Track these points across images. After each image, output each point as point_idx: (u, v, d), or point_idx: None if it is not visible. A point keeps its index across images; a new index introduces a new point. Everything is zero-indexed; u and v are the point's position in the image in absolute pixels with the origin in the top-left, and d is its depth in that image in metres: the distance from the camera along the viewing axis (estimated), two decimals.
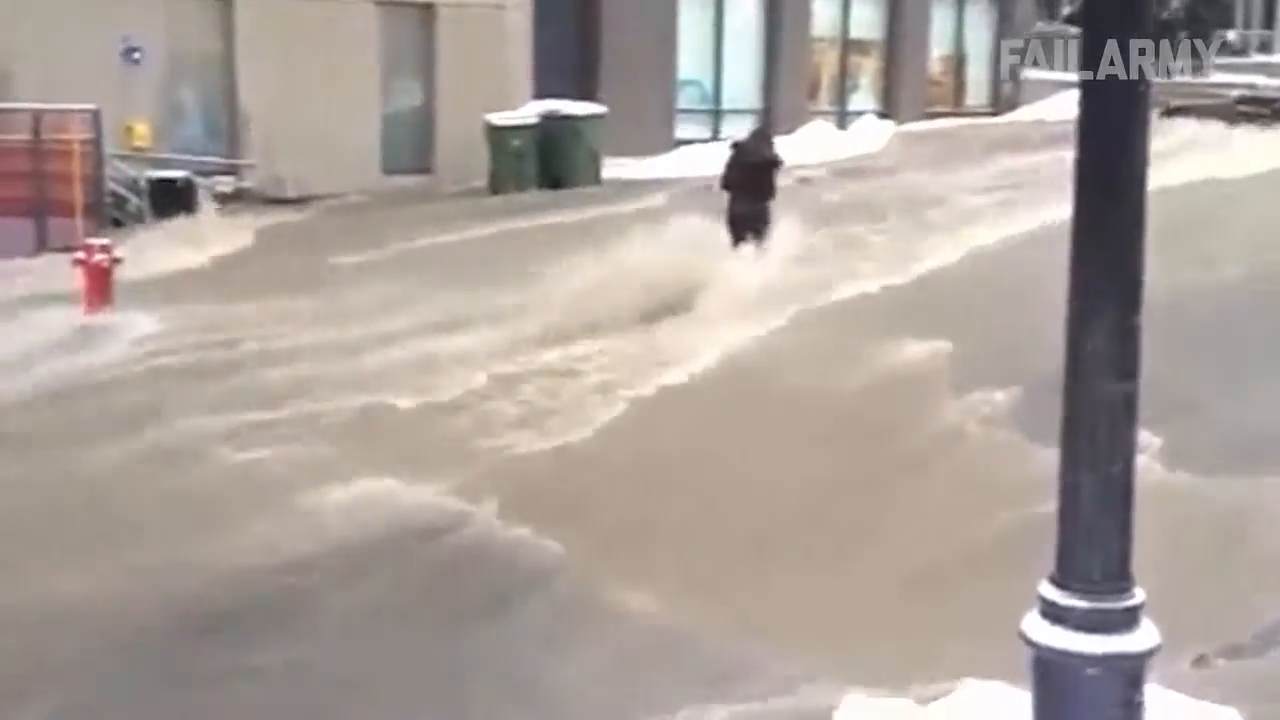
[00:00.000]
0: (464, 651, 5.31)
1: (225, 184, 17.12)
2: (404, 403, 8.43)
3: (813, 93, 23.88)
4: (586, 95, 19.67)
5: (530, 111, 18.57)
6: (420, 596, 5.74)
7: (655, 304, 10.19)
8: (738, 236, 10.85)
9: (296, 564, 5.94)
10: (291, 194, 17.42)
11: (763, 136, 11.81)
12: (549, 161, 18.40)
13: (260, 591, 5.73)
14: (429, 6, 19.05)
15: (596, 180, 18.56)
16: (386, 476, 6.87)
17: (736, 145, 11.56)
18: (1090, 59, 3.36)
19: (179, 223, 15.18)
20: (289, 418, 8.24)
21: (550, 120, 18.42)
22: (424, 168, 19.22)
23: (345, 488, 6.75)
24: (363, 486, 6.77)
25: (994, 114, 24.88)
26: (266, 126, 17.60)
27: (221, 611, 5.58)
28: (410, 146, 19.18)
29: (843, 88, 24.42)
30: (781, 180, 11.61)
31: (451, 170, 18.95)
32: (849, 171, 17.61)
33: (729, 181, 11.25)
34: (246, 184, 17.43)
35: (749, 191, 11.02)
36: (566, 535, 6.05)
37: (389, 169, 18.85)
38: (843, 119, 23.59)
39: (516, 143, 18.25)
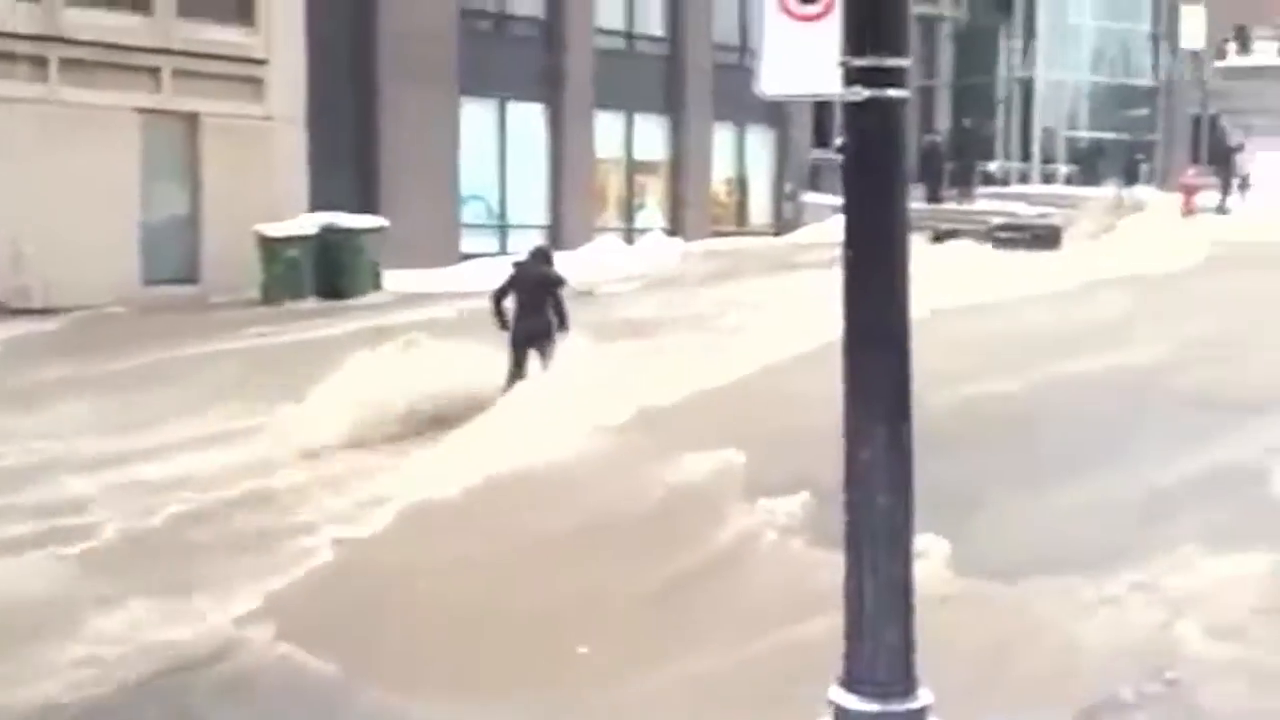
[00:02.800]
0: None
1: None
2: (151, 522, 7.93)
3: (600, 210, 24.26)
4: (367, 208, 19.51)
5: (307, 222, 18.32)
6: None
7: (433, 418, 9.95)
8: (519, 354, 10.68)
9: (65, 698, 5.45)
10: (39, 304, 16.57)
11: (542, 255, 11.65)
12: (327, 273, 18.18)
13: None
14: (193, 116, 18.60)
15: (377, 291, 18.34)
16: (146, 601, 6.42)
17: (517, 265, 11.43)
18: (851, 196, 3.55)
19: None
20: (31, 538, 7.63)
21: (329, 232, 18.21)
22: (190, 278, 18.61)
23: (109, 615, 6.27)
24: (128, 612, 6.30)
25: (776, 234, 25.70)
26: (12, 234, 16.72)
27: None
28: (174, 256, 18.59)
29: (630, 206, 24.90)
30: (567, 297, 11.50)
31: (220, 281, 18.39)
32: (636, 288, 17.81)
33: (503, 299, 10.95)
34: None
35: (531, 310, 10.89)
36: (343, 654, 5.72)
37: (151, 279, 18.16)
38: (630, 236, 24.00)
39: (291, 253, 17.92)
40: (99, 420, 10.88)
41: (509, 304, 10.94)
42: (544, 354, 10.69)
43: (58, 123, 17.13)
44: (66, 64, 17.41)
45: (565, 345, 10.76)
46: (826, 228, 22.28)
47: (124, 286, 17.48)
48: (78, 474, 9.05)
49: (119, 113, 17.83)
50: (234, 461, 9.28)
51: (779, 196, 26.92)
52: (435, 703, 5.38)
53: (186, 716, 5.42)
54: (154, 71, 18.21)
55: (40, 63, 17.30)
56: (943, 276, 14.56)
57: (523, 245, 21.59)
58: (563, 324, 10.81)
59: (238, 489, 8.57)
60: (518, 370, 10.59)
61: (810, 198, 25.98)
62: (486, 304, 11.14)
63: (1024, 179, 30.30)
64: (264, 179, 18.67)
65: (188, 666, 5.74)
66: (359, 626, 6.18)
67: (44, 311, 16.38)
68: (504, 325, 10.80)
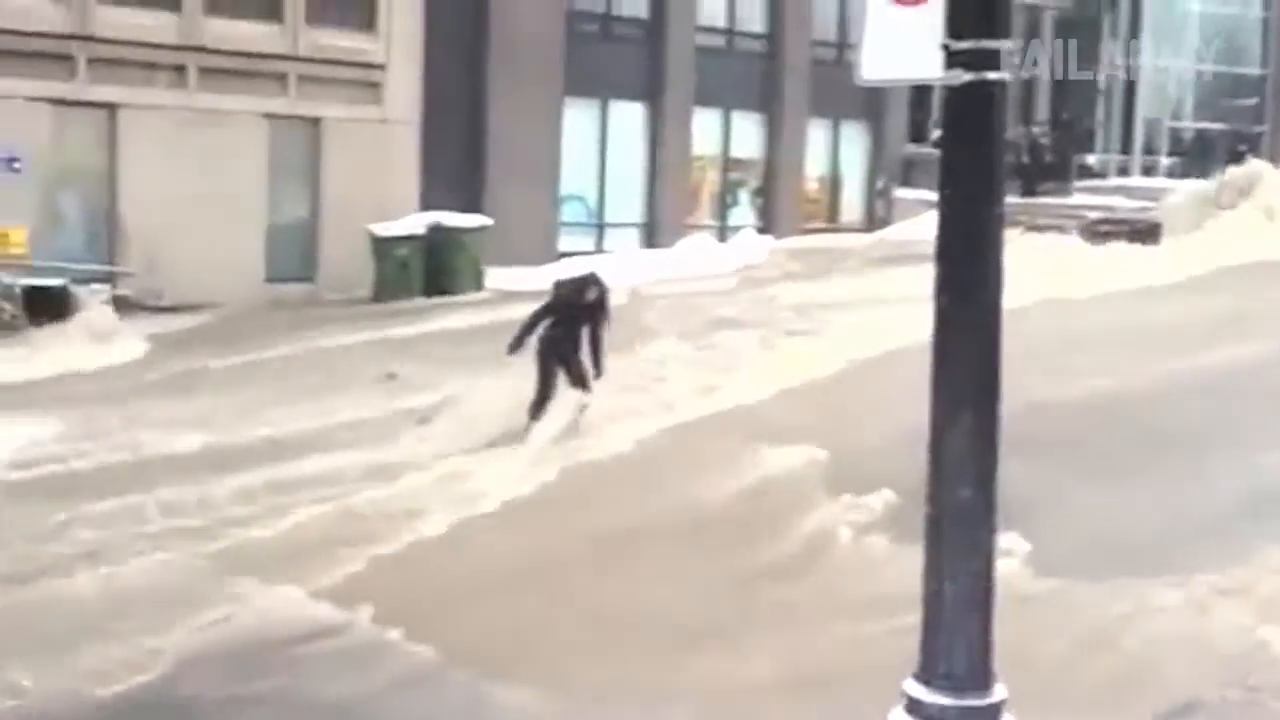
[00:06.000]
0: None
1: (102, 292, 16.89)
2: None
3: (694, 208, 24.41)
4: (472, 207, 19.90)
5: (416, 222, 18.75)
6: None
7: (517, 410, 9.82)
8: (546, 368, 9.77)
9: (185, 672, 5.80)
10: (167, 303, 17.25)
11: (589, 282, 10.19)
12: (434, 271, 18.59)
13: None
14: (316, 120, 19.19)
15: (479, 289, 18.73)
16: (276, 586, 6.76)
17: (558, 284, 10.40)
18: (948, 182, 3.57)
19: (54, 329, 14.89)
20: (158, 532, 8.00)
21: (436, 231, 18.62)
22: (306, 276, 19.19)
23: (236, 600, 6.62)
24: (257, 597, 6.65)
25: (867, 230, 25.60)
26: (146, 235, 17.49)
27: None
28: (294, 256, 19.16)
29: (723, 203, 25.01)
30: (657, 293, 11.26)
31: (334, 279, 18.96)
32: (727, 285, 17.93)
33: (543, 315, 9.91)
34: (123, 292, 17.20)
35: (561, 331, 9.88)
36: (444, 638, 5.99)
37: (272, 277, 18.78)
38: (723, 233, 24.13)
39: (402, 252, 18.39)
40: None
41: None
42: (577, 380, 9.83)
43: (193, 128, 17.80)
44: (204, 72, 18.07)
45: (659, 338, 10.43)
46: (919, 224, 22.16)
47: (248, 285, 18.11)
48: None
49: (249, 118, 18.45)
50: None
51: (871, 192, 26.82)
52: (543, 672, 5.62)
53: None
54: (281, 78, 18.82)
55: (180, 70, 17.98)
56: (1036, 269, 14.51)
57: (619, 243, 22.03)
58: (596, 365, 9.84)
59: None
60: (545, 388, 9.76)
61: (902, 193, 25.82)
62: None
63: (1124, 172, 29.73)
64: (379, 179, 19.16)
65: None
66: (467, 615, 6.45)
67: (174, 309, 17.00)
68: (516, 348, 9.85)
